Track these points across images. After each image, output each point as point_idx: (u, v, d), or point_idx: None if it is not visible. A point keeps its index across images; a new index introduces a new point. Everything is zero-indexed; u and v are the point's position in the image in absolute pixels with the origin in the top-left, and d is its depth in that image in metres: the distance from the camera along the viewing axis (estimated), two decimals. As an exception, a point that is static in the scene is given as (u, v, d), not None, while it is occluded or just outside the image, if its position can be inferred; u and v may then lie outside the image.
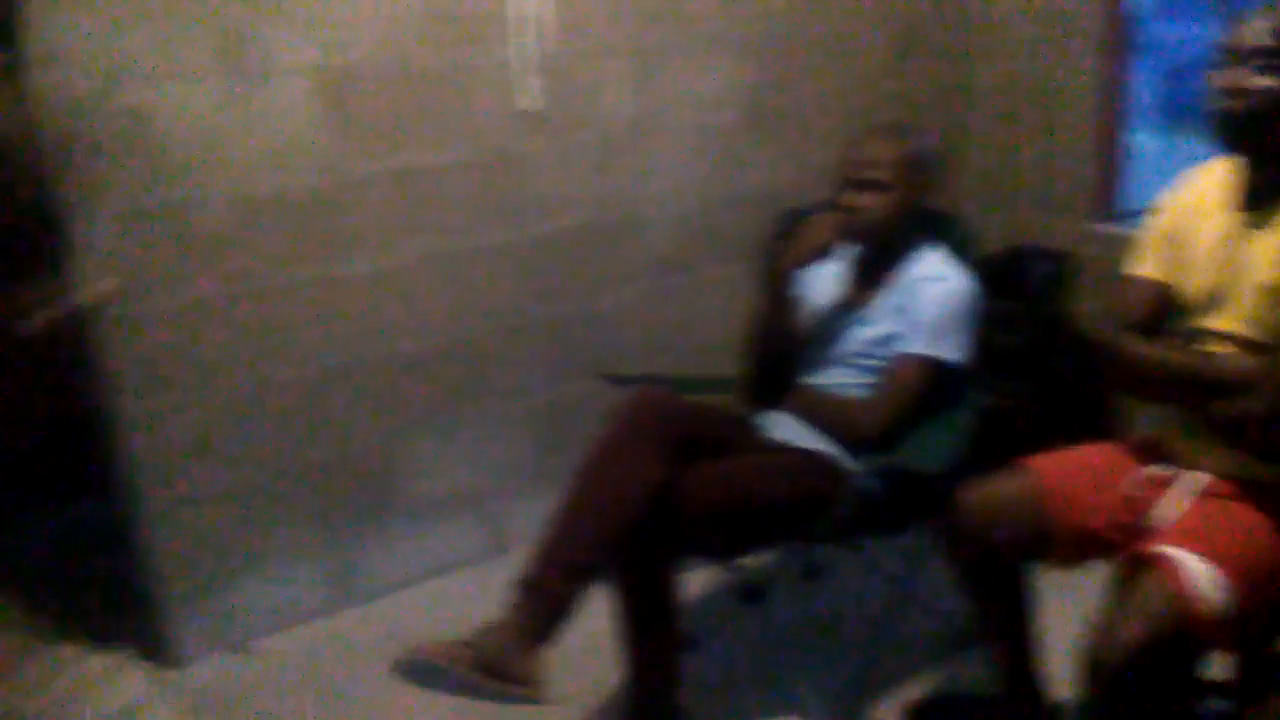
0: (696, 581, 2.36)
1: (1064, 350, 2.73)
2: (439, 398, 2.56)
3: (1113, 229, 2.98)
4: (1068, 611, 1.79)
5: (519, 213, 2.56)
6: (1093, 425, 2.40)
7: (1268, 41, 1.50)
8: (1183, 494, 1.60)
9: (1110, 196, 3.09)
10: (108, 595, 2.52)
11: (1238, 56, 1.52)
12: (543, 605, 1.72)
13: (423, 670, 1.73)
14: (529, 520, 2.65)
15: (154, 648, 2.36)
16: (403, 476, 2.56)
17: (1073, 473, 1.72)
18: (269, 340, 2.29)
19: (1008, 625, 1.82)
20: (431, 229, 2.44)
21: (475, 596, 2.37)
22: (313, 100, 2.22)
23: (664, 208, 2.79)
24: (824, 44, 2.96)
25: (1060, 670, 1.78)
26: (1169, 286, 1.71)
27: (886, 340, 2.01)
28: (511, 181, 2.53)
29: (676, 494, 1.80)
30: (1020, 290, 2.88)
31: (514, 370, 2.66)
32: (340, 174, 2.30)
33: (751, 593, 2.43)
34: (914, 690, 2.12)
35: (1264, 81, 1.50)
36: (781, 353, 2.13)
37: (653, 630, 1.95)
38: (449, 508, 2.65)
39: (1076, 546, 1.68)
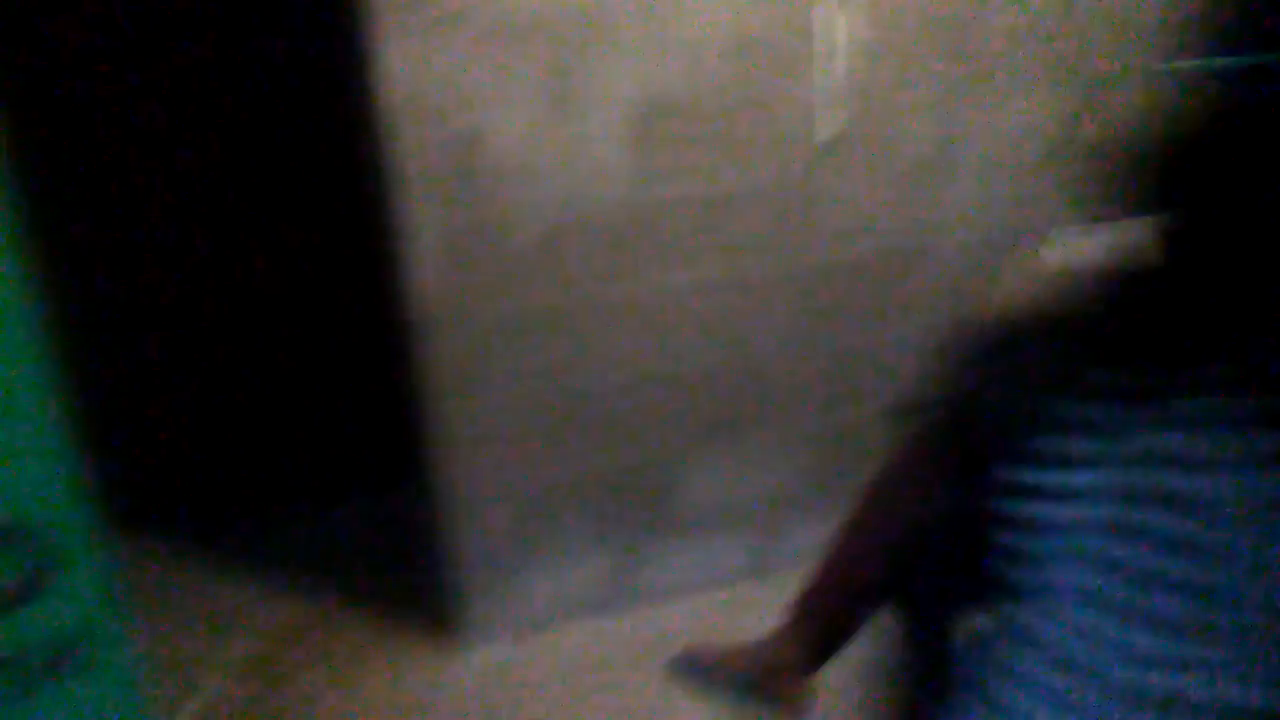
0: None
1: None
2: (722, 416, 2.63)
3: None
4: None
5: (812, 240, 2.59)
6: None
7: None
8: None
9: None
10: (414, 577, 2.78)
11: None
12: (819, 628, 1.72)
13: (693, 673, 1.77)
14: (794, 545, 2.70)
15: (449, 629, 2.57)
16: (682, 489, 2.65)
17: None
18: (573, 352, 2.45)
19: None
20: (727, 253, 2.52)
21: (741, 612, 2.42)
22: (623, 128, 2.35)
23: (956, 239, 2.73)
24: (1134, 73, 2.80)
25: None
26: None
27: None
28: (807, 209, 2.56)
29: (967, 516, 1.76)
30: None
31: (794, 394, 2.69)
32: (644, 198, 2.41)
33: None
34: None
35: None
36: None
37: (934, 660, 1.91)
38: (723, 523, 2.71)
39: None
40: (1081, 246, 1.92)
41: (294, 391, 3.38)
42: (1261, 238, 0.91)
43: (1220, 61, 0.89)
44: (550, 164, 2.31)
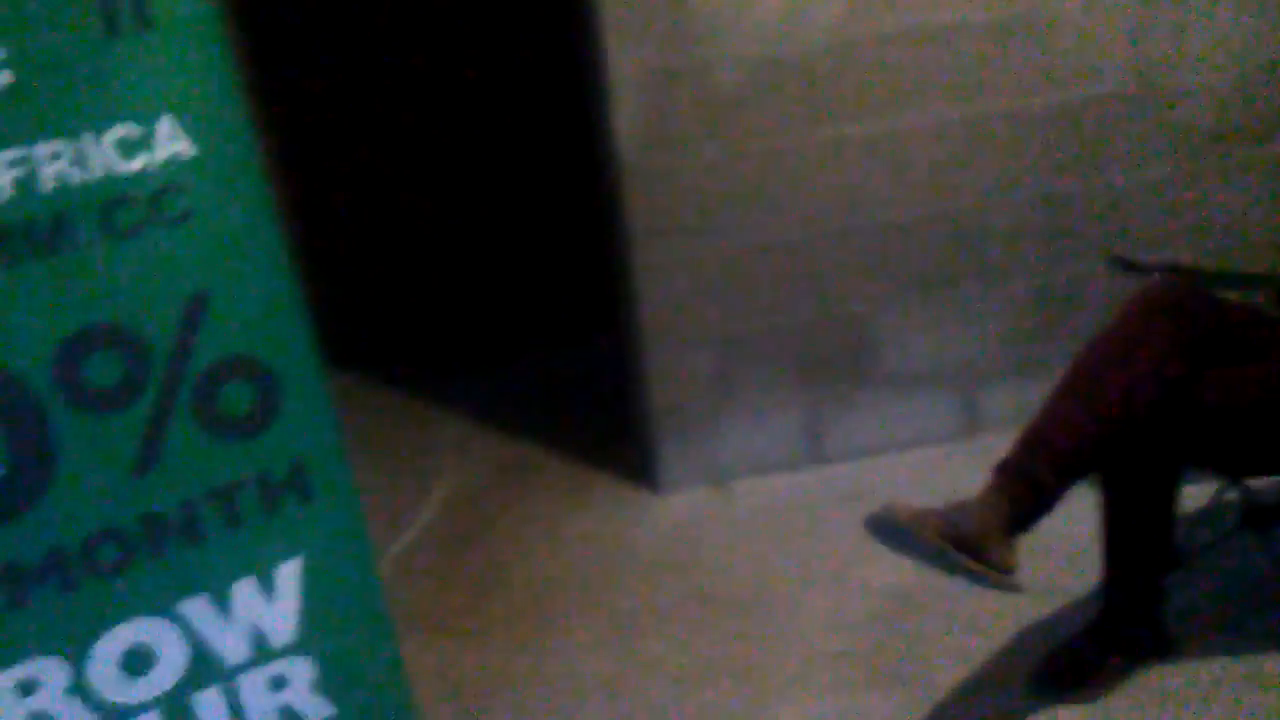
0: (1195, 495, 2.17)
1: None
2: (928, 269, 2.51)
3: None
4: None
5: (1037, 79, 2.39)
6: None
7: None
8: None
9: None
10: (614, 423, 2.86)
11: None
12: (1026, 492, 1.66)
13: (890, 531, 1.74)
14: (1006, 405, 2.59)
15: (642, 476, 2.64)
16: (882, 345, 2.57)
17: None
18: (771, 199, 2.38)
19: None
20: (941, 94, 2.36)
21: (944, 473, 2.36)
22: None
23: (1204, 77, 2.45)
24: None
25: None
26: None
27: None
28: (1033, 44, 2.35)
29: (1193, 396, 1.64)
30: None
31: (1010, 247, 2.53)
32: (852, 34, 2.28)
33: (1258, 516, 2.17)
34: None
35: None
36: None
37: (1142, 540, 1.81)
38: (925, 381, 2.62)
39: None
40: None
41: (502, 242, 3.46)
42: None
43: None
44: (751, 4, 2.21)
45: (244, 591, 1.24)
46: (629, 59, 2.17)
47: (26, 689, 1.16)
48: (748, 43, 2.23)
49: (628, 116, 2.22)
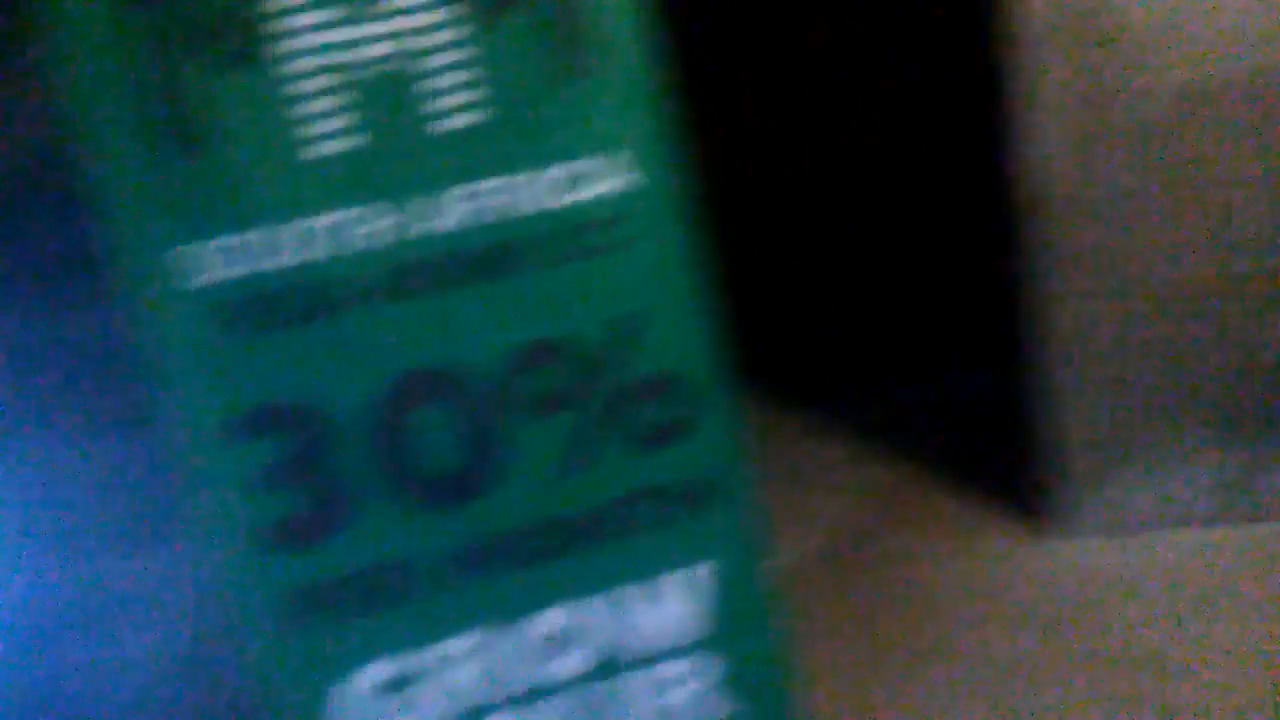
0: None
1: None
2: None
3: None
4: None
5: None
6: None
7: None
8: None
9: None
10: (1003, 458, 2.74)
11: None
12: None
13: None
14: None
15: (1035, 517, 2.51)
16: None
17: None
18: (1199, 233, 2.19)
19: None
20: None
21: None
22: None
23: None
24: None
25: None
26: None
27: None
28: None
29: None
30: None
31: None
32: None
33: None
34: None
35: None
36: None
37: None
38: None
39: None
40: None
41: (899, 260, 3.43)
42: None
43: None
44: (1192, 21, 2.05)
45: (651, 591, 1.35)
46: (1051, 81, 2.09)
47: (450, 663, 1.33)
48: (1180, 66, 2.06)
49: (1045, 140, 2.14)
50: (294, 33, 1.19)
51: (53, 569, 1.64)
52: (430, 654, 1.32)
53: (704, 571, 1.36)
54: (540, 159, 1.27)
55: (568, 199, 1.27)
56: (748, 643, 1.38)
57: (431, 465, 1.28)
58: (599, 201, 1.28)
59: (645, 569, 1.35)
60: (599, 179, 1.28)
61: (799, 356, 3.50)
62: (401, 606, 1.29)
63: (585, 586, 1.34)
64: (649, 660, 1.36)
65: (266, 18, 1.19)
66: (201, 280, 1.20)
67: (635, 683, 1.36)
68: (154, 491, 1.60)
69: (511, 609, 1.33)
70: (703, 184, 1.36)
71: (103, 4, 1.15)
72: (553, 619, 1.34)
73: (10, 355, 1.63)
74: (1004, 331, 2.59)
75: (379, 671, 1.31)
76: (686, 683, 1.37)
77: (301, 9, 1.19)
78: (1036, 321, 2.33)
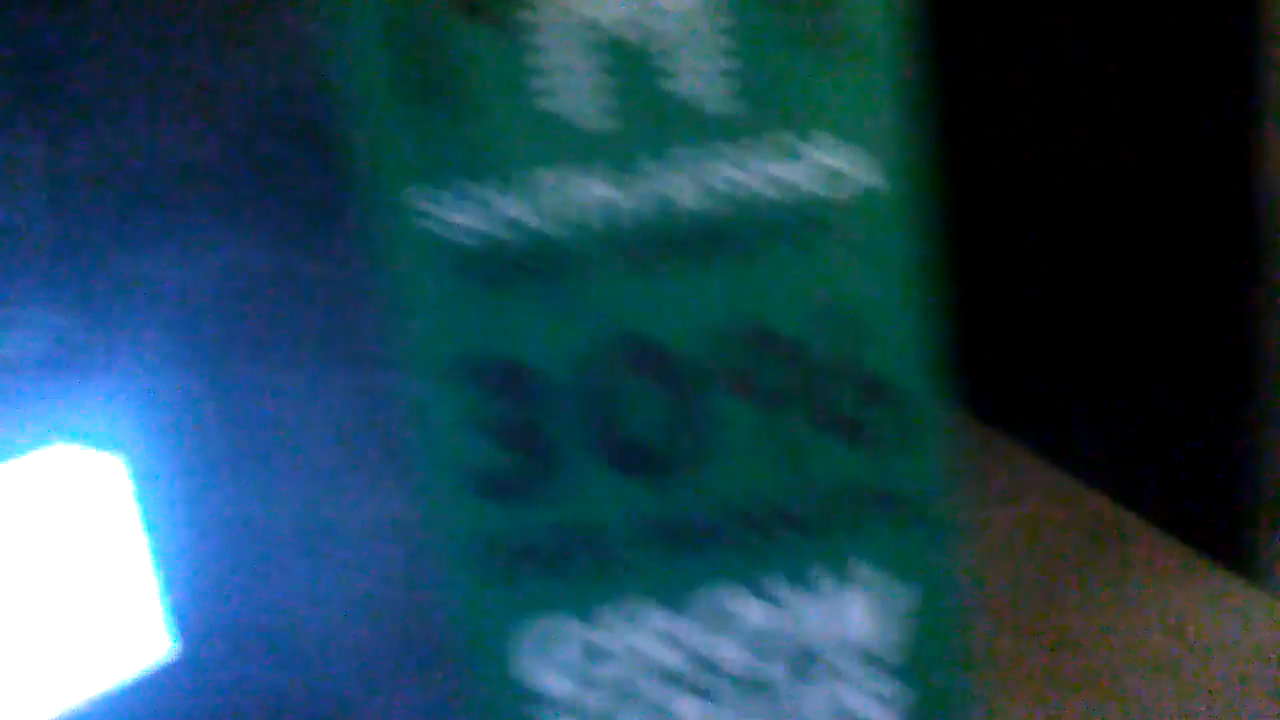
0: None
1: None
2: None
3: None
4: None
5: None
6: None
7: None
8: None
9: None
10: (1213, 501, 2.57)
11: None
12: None
13: None
14: None
15: (1247, 567, 2.35)
16: None
17: None
18: None
19: None
20: None
21: None
22: None
23: None
24: None
25: None
26: None
27: None
28: None
29: None
30: None
31: None
32: None
33: None
34: None
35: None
36: None
37: None
38: None
39: None
40: None
41: (1132, 290, 3.25)
42: None
43: None
44: None
45: (840, 595, 1.32)
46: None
47: (633, 630, 1.34)
48: None
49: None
50: (547, -5, 1.21)
51: (268, 499, 1.73)
52: (615, 617, 1.33)
53: (897, 584, 1.32)
54: (781, 142, 1.25)
55: (805, 187, 1.25)
56: (933, 664, 1.34)
57: (636, 435, 1.29)
58: (835, 193, 1.25)
59: (837, 571, 1.31)
60: (838, 169, 1.25)
61: (1018, 376, 3.36)
62: (593, 568, 1.31)
63: (774, 577, 1.32)
64: (829, 663, 1.33)
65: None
66: (443, 228, 1.24)
67: (813, 683, 1.34)
68: (375, 430, 1.66)
69: (698, 587, 1.33)
70: (942, 187, 1.32)
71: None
72: (737, 603, 1.33)
73: (245, 286, 1.73)
74: (1239, 370, 2.43)
75: (567, 627, 1.34)
76: (865, 694, 1.33)
77: (556, -28, 1.20)
78: (1268, 358, 2.17)
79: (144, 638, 1.74)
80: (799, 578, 1.32)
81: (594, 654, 1.34)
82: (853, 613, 1.33)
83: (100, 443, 1.70)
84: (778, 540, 1.31)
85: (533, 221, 1.24)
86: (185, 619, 1.78)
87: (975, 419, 3.24)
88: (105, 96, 1.74)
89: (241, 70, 1.70)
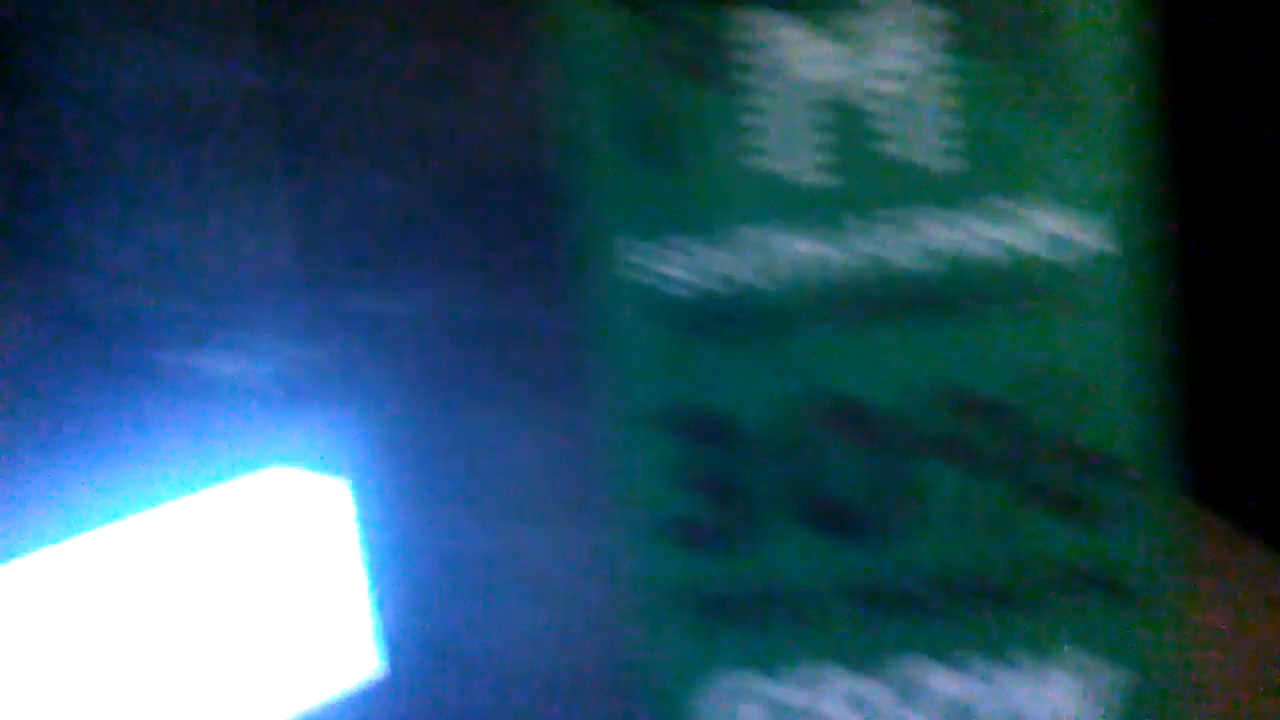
0: None
1: None
2: None
3: None
4: None
5: None
6: None
7: None
8: None
9: None
10: None
11: None
12: None
13: None
14: None
15: None
16: None
17: None
18: None
19: None
20: None
21: None
22: None
23: None
24: None
25: None
26: None
27: None
28: None
29: None
30: None
31: None
32: None
33: None
34: None
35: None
36: None
37: None
38: None
39: None
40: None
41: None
42: None
43: None
44: None
45: (1042, 676, 1.26)
46: None
47: (820, 694, 1.31)
48: None
49: None
50: (766, 51, 1.22)
51: (475, 529, 1.82)
52: (804, 677, 1.31)
53: (1107, 672, 1.24)
54: (1003, 203, 1.21)
55: (1025, 249, 1.21)
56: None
57: (837, 495, 1.27)
58: (1058, 256, 1.20)
59: (1040, 651, 1.25)
60: (1062, 232, 1.20)
61: (1251, 459, 3.13)
62: (785, 625, 1.30)
63: (973, 650, 1.27)
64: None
65: (742, 37, 1.23)
66: (653, 279, 1.27)
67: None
68: (579, 470, 1.72)
69: (892, 653, 1.29)
70: (1175, 253, 1.25)
71: (608, 12, 1.24)
72: (932, 673, 1.28)
73: (463, 327, 1.82)
74: None
75: (754, 683, 1.33)
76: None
77: (776, 28, 1.22)
78: None
79: (354, 656, 1.84)
80: (999, 653, 1.26)
81: (779, 712, 1.32)
82: (1055, 693, 1.27)
83: (326, 467, 1.82)
84: (979, 612, 1.26)
85: (743, 276, 1.25)
86: (392, 639, 1.88)
87: (1201, 502, 3.03)
88: (347, 149, 1.89)
89: (469, 126, 1.81)
